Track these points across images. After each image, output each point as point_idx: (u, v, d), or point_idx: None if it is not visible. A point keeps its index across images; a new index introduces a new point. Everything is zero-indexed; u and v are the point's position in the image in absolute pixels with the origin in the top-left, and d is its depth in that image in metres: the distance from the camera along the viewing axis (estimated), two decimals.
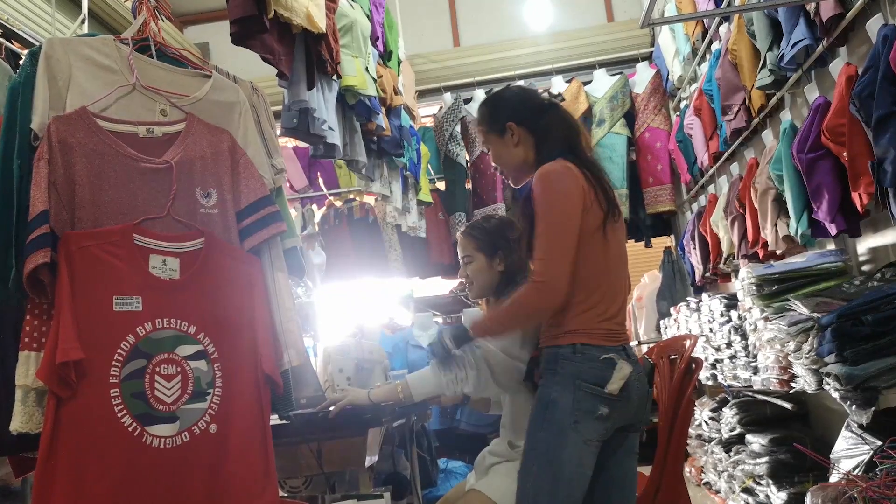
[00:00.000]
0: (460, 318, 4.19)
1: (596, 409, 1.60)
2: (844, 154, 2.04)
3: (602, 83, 4.88)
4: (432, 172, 4.87)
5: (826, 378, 1.96)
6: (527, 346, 1.92)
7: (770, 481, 2.66)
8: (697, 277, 3.84)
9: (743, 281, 2.51)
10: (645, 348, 4.50)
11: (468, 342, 1.82)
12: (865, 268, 2.43)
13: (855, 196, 2.04)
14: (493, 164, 1.91)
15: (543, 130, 1.78)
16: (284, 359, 1.53)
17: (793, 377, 2.28)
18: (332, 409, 1.91)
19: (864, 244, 2.42)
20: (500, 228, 2.07)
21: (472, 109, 4.81)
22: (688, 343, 2.02)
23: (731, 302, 3.04)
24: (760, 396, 3.08)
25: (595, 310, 1.66)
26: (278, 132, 2.08)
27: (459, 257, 2.11)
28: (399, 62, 3.62)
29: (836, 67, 2.19)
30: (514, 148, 1.80)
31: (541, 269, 1.62)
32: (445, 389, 1.92)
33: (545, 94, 1.84)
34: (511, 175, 1.88)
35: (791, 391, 2.39)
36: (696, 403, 3.68)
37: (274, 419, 1.63)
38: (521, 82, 4.85)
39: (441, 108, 5.00)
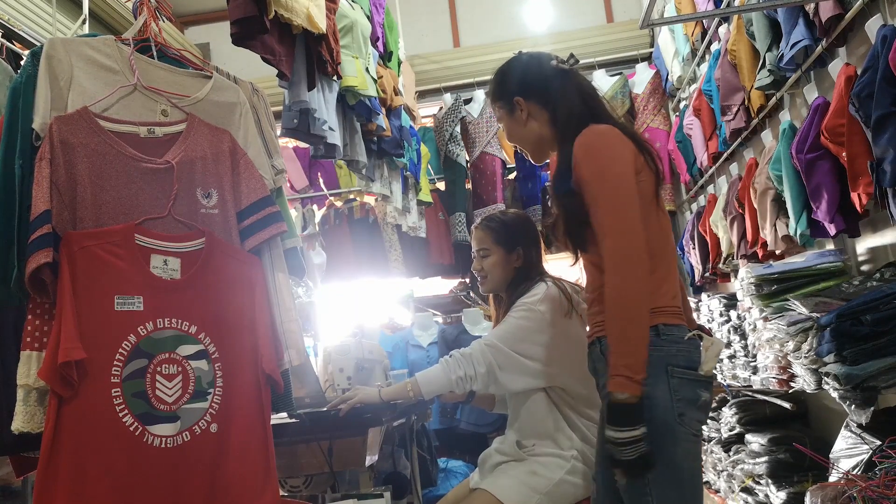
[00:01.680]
0: (460, 318, 4.19)
1: (697, 395, 1.44)
2: (843, 154, 2.05)
3: (601, 84, 4.87)
4: (432, 173, 4.87)
5: (825, 378, 1.96)
6: (535, 342, 1.91)
7: (769, 481, 2.66)
8: (697, 277, 3.84)
9: (742, 281, 2.51)
10: None
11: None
12: (864, 268, 2.44)
13: (854, 196, 2.05)
14: (509, 142, 1.77)
15: (555, 101, 1.61)
16: (285, 358, 1.54)
17: (792, 377, 2.28)
18: (342, 407, 1.92)
19: (864, 244, 2.43)
20: (520, 223, 2.08)
21: (473, 110, 4.81)
22: None
23: (731, 302, 3.04)
24: (760, 396, 3.08)
25: (666, 285, 1.49)
26: (279, 132, 2.09)
27: (474, 249, 2.09)
28: (399, 63, 3.62)
29: (836, 68, 2.19)
30: (525, 124, 1.66)
31: (613, 244, 1.41)
32: (454, 387, 1.91)
33: (554, 62, 1.65)
34: (529, 152, 1.73)
35: (790, 391, 2.40)
36: None
37: (276, 418, 1.64)
38: None
39: (441, 108, 5.00)
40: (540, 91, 1.64)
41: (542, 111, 1.65)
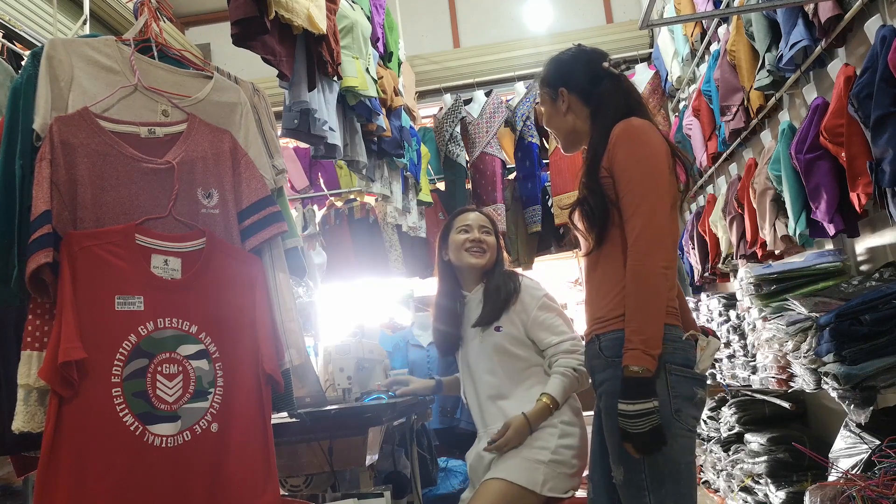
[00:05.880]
0: None
1: (693, 392, 1.49)
2: (843, 154, 2.05)
3: None
4: (432, 173, 4.87)
5: (824, 377, 1.96)
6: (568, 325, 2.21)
7: (769, 480, 2.66)
8: (696, 277, 3.84)
9: (741, 281, 2.52)
10: None
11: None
12: (863, 268, 2.44)
13: (853, 196, 2.05)
14: (544, 125, 1.79)
15: (598, 100, 1.67)
16: (285, 358, 1.54)
17: (791, 376, 2.29)
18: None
19: (863, 244, 2.43)
20: None
21: (472, 110, 4.82)
22: None
23: (730, 302, 3.05)
24: (759, 396, 3.08)
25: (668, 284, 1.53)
26: (279, 133, 2.09)
27: (478, 225, 2.31)
28: (399, 63, 3.62)
29: (835, 68, 2.20)
30: (563, 114, 1.72)
31: (641, 222, 1.47)
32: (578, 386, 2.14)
33: (606, 63, 1.71)
34: (561, 140, 1.78)
35: (790, 390, 2.40)
36: None
37: (277, 418, 1.64)
38: (521, 83, 4.85)
39: (441, 108, 5.00)
40: (585, 88, 1.69)
41: (583, 107, 1.70)
